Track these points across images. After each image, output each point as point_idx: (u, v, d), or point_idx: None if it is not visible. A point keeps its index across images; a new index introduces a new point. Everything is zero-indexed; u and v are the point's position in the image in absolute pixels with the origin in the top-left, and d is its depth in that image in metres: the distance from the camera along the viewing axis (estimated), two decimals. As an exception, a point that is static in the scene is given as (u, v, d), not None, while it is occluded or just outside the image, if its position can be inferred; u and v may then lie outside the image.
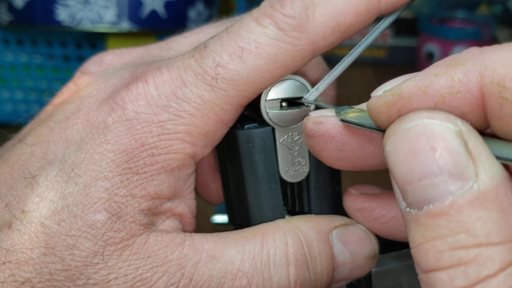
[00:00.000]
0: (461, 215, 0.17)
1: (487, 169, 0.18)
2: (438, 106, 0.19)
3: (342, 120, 0.22)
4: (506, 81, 0.17)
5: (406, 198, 0.19)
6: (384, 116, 0.20)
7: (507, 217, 0.17)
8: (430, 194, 0.18)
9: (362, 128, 0.21)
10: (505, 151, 0.18)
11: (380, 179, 0.26)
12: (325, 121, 0.23)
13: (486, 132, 0.19)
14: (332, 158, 0.23)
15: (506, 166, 0.18)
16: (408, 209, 0.19)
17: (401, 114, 0.19)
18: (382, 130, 0.20)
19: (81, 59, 0.60)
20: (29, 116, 0.29)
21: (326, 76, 0.26)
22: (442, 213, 0.18)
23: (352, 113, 0.22)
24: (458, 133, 0.18)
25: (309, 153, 0.27)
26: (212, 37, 0.25)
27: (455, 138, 0.18)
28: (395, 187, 0.19)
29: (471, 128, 0.18)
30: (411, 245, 0.19)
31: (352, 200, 0.26)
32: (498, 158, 0.18)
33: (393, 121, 0.19)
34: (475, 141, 0.18)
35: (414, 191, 0.18)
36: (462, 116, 0.18)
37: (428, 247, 0.18)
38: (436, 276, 0.18)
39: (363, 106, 0.23)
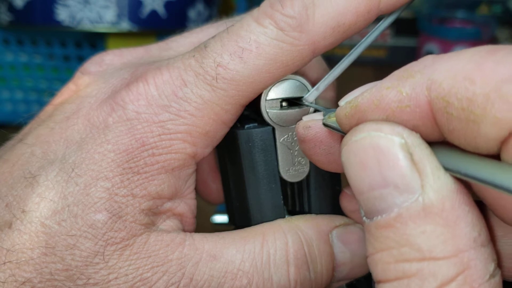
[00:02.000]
0: (406, 228, 0.17)
1: (432, 182, 0.17)
2: (390, 119, 0.19)
3: (324, 124, 0.22)
4: (451, 96, 0.17)
5: (362, 207, 0.19)
6: (346, 126, 0.20)
7: (452, 232, 0.17)
8: (379, 205, 0.18)
9: (339, 132, 0.22)
10: (456, 164, 0.18)
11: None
12: (313, 125, 0.23)
13: (445, 141, 0.19)
14: (322, 161, 0.24)
15: (460, 178, 0.18)
16: (364, 217, 0.19)
17: (359, 124, 0.19)
18: None
19: (81, 59, 0.60)
20: (29, 116, 0.29)
21: (326, 76, 0.26)
22: (388, 225, 0.18)
23: (333, 117, 0.22)
24: (403, 146, 0.18)
25: (309, 153, 0.27)
26: (213, 37, 0.25)
27: (400, 151, 0.18)
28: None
29: (418, 140, 0.18)
30: (366, 254, 0.19)
31: (348, 201, 0.26)
32: (448, 170, 0.18)
33: None
34: (421, 153, 0.18)
35: (365, 201, 0.18)
36: (414, 129, 0.18)
37: (377, 258, 0.18)
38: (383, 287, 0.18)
39: None
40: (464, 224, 0.17)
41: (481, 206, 0.19)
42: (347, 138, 0.19)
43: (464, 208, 0.18)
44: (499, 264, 0.18)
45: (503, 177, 0.16)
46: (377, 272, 0.18)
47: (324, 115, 0.23)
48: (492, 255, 0.18)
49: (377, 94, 0.19)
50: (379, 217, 0.18)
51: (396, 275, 0.18)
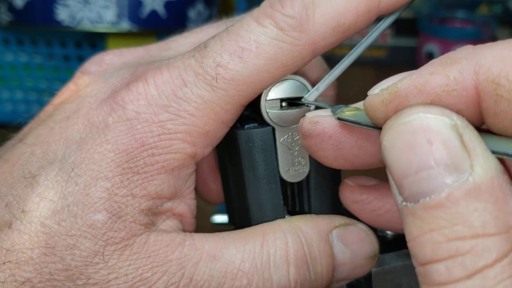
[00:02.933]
0: (458, 206, 0.18)
1: (482, 162, 0.18)
2: (435, 103, 0.19)
3: (339, 119, 0.22)
4: (501, 79, 0.18)
5: (403, 192, 0.19)
6: (382, 114, 0.20)
7: (503, 208, 0.18)
8: (426, 186, 0.18)
9: (359, 126, 0.22)
10: (500, 145, 0.18)
11: (378, 177, 0.26)
12: (321, 120, 0.23)
13: (481, 128, 0.19)
14: (329, 157, 0.24)
15: (501, 161, 0.18)
16: (404, 203, 0.19)
17: (398, 111, 0.19)
18: (378, 127, 0.20)
19: (81, 59, 0.60)
20: (29, 116, 0.29)
21: (326, 76, 0.26)
22: (438, 205, 0.18)
23: (348, 112, 0.22)
24: (453, 127, 0.18)
25: (309, 153, 0.27)
26: (213, 37, 0.25)
27: (451, 132, 0.18)
28: (392, 182, 0.19)
29: (466, 123, 0.19)
30: (408, 238, 0.19)
31: (349, 192, 0.26)
32: (493, 152, 0.18)
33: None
34: (470, 135, 0.18)
35: (410, 184, 0.18)
36: (458, 113, 0.19)
37: (425, 240, 0.18)
38: (433, 268, 0.18)
39: (358, 105, 0.23)
40: None
41: None
42: (392, 121, 0.19)
43: (510, 187, 0.18)
44: None
45: None
46: (426, 253, 0.18)
47: (332, 112, 0.23)
48: None
49: (420, 79, 0.19)
50: (427, 198, 0.18)
51: (449, 253, 0.18)
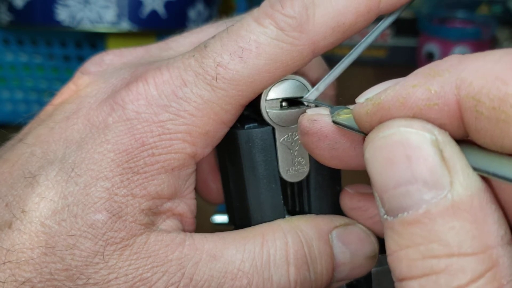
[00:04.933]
0: (434, 224, 0.17)
1: (461, 179, 0.17)
2: (416, 117, 0.19)
3: (334, 122, 0.22)
4: (481, 96, 0.17)
5: (384, 205, 0.19)
6: (366, 124, 0.20)
7: (481, 228, 0.17)
8: (405, 202, 0.18)
9: (351, 130, 0.22)
10: (482, 163, 0.18)
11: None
12: (319, 119, 0.23)
13: (467, 140, 0.19)
14: (324, 156, 0.24)
15: (485, 178, 0.18)
16: (385, 216, 0.19)
17: (382, 122, 0.19)
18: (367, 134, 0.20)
19: (81, 59, 0.60)
20: (29, 116, 0.29)
21: (326, 76, 0.26)
22: (415, 222, 0.18)
23: (344, 115, 0.22)
24: (434, 142, 0.18)
25: (309, 153, 0.27)
26: (213, 37, 0.25)
27: (431, 147, 0.18)
28: (375, 193, 0.19)
29: (448, 138, 0.18)
30: (387, 252, 0.19)
31: (348, 199, 0.26)
32: (475, 169, 0.18)
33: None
34: (451, 150, 0.18)
35: (390, 198, 0.18)
36: (441, 127, 0.18)
37: (401, 255, 0.18)
38: (409, 285, 0.18)
39: None
40: (492, 221, 0.17)
41: None
42: (373, 134, 0.19)
43: (491, 206, 0.18)
44: None
45: None
46: (401, 269, 0.18)
47: (331, 112, 0.23)
48: None
49: (402, 92, 0.19)
50: (405, 213, 0.18)
51: (423, 272, 0.17)
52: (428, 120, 0.18)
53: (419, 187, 0.18)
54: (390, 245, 0.18)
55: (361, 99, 0.21)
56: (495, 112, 0.17)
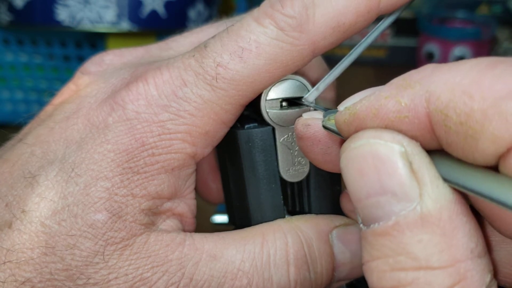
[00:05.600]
0: (403, 236, 0.17)
1: (430, 191, 0.17)
2: (389, 127, 0.18)
3: (324, 127, 0.22)
4: (449, 110, 0.17)
5: (359, 214, 0.19)
6: (345, 132, 0.20)
7: (449, 241, 0.17)
8: (376, 213, 0.18)
9: (338, 136, 0.21)
10: (454, 175, 0.17)
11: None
12: (312, 123, 0.23)
13: (442, 150, 0.18)
14: (319, 160, 0.24)
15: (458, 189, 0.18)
16: (361, 225, 0.19)
17: (357, 131, 0.19)
18: None
19: (81, 59, 0.60)
20: (29, 116, 0.29)
21: (326, 76, 0.26)
22: (385, 233, 0.18)
23: (333, 120, 0.22)
24: (403, 154, 0.18)
25: (309, 153, 0.27)
26: (213, 37, 0.25)
27: (399, 159, 0.18)
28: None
29: (417, 149, 0.18)
30: (362, 261, 0.19)
31: (347, 201, 0.26)
32: (446, 180, 0.18)
33: None
34: (420, 162, 0.18)
35: (362, 208, 0.18)
36: (413, 138, 0.18)
37: (372, 266, 0.18)
38: None
39: None
40: (462, 234, 0.17)
41: (477, 213, 0.19)
42: (346, 145, 0.19)
43: (462, 218, 0.18)
44: (494, 270, 0.18)
45: (501, 192, 0.16)
46: (373, 280, 0.18)
47: (324, 116, 0.23)
48: (489, 266, 0.18)
49: (375, 103, 0.19)
50: (376, 224, 0.18)
51: (391, 284, 0.17)
52: (400, 131, 0.18)
53: (388, 198, 0.18)
54: (364, 254, 0.19)
55: (341, 107, 0.21)
56: (463, 127, 0.16)
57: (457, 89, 0.17)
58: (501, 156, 0.16)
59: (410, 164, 0.18)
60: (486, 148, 0.16)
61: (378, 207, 0.18)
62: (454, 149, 0.17)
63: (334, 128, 0.22)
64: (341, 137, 0.21)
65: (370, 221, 0.18)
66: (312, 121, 0.23)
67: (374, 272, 0.18)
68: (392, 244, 0.17)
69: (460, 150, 0.17)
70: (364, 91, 0.21)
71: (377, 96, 0.19)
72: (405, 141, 0.18)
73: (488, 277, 0.17)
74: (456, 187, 0.17)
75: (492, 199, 0.16)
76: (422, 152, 0.18)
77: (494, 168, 0.17)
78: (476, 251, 0.17)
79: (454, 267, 0.17)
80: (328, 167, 0.24)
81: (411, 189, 0.17)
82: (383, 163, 0.18)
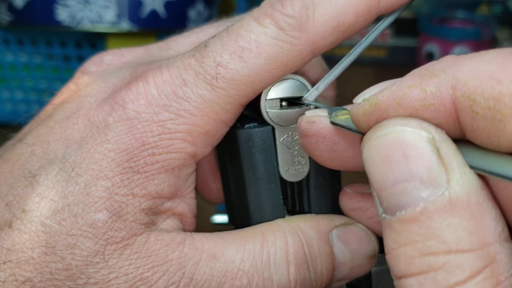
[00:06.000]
0: (432, 221, 0.17)
1: (458, 177, 0.18)
2: (413, 116, 0.19)
3: (332, 123, 0.23)
4: (476, 95, 0.17)
5: (382, 203, 0.19)
6: (364, 124, 0.20)
7: (478, 225, 0.17)
8: (402, 200, 0.18)
9: (349, 131, 0.22)
10: (479, 161, 0.18)
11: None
12: (317, 120, 0.23)
13: (464, 139, 0.19)
14: (323, 157, 0.24)
15: (482, 176, 0.18)
16: (383, 215, 0.19)
17: (379, 122, 0.19)
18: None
19: (81, 59, 0.60)
20: (29, 116, 0.29)
21: (326, 76, 0.26)
22: (413, 219, 0.18)
23: (342, 116, 0.22)
24: (430, 141, 0.18)
25: (309, 152, 0.27)
26: (213, 37, 0.25)
27: (427, 146, 0.18)
28: (373, 193, 0.19)
29: (444, 136, 0.18)
30: (385, 250, 0.19)
31: (347, 199, 0.26)
32: (472, 167, 0.18)
33: None
34: (448, 149, 0.18)
35: (387, 197, 0.18)
36: (437, 126, 0.18)
37: (399, 253, 0.18)
38: (407, 282, 0.18)
39: None
40: (489, 218, 0.18)
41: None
42: (370, 134, 0.19)
43: (488, 203, 0.18)
44: None
45: None
46: (400, 267, 0.18)
47: (329, 113, 0.23)
48: None
49: (399, 92, 0.19)
50: (403, 211, 0.18)
51: (421, 269, 0.18)
52: (425, 120, 0.19)
53: (416, 185, 0.18)
54: (388, 243, 0.19)
55: (358, 99, 0.21)
56: (490, 112, 0.17)
57: (484, 74, 0.17)
58: None
59: (437, 151, 0.18)
60: None
61: (405, 194, 0.18)
62: (479, 135, 0.18)
63: (344, 123, 0.22)
64: (352, 131, 0.21)
65: (396, 208, 0.18)
66: (316, 118, 0.23)
67: (402, 258, 0.18)
68: (421, 230, 0.18)
69: (485, 136, 0.17)
70: (380, 84, 0.21)
71: (400, 85, 0.19)
72: (432, 128, 0.18)
73: None
74: (482, 173, 0.18)
75: None
76: (449, 139, 0.18)
77: None
78: (503, 235, 0.18)
79: (484, 249, 0.17)
80: (333, 164, 0.24)
81: (439, 175, 0.18)
82: (411, 149, 0.18)
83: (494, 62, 0.17)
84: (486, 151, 0.18)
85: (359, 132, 0.21)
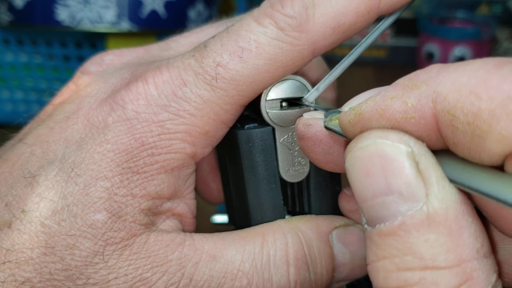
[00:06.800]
0: (410, 236, 0.17)
1: (436, 191, 0.17)
2: (395, 128, 0.19)
3: (325, 127, 0.22)
4: (456, 110, 0.17)
5: (364, 214, 0.19)
6: (350, 133, 0.20)
7: (455, 241, 0.17)
8: (381, 213, 0.18)
9: (341, 136, 0.22)
10: (460, 175, 0.18)
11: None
12: (314, 123, 0.23)
13: (448, 150, 0.18)
14: (320, 160, 0.24)
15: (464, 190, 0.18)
16: (365, 225, 0.19)
17: (363, 132, 0.19)
18: None
19: (81, 59, 0.60)
20: (29, 116, 0.29)
21: (326, 76, 0.26)
22: (391, 233, 0.18)
23: (335, 120, 0.22)
24: (409, 154, 0.18)
25: (309, 153, 0.27)
26: (212, 37, 0.25)
27: (406, 159, 0.18)
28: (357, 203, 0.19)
29: (424, 149, 0.18)
30: (366, 261, 0.19)
31: (346, 201, 0.26)
32: (452, 181, 0.18)
33: None
34: (427, 162, 0.18)
35: (368, 208, 0.18)
36: (419, 139, 0.18)
37: (378, 266, 0.18)
38: None
39: None
40: (468, 234, 0.17)
41: (481, 215, 0.19)
42: (352, 145, 0.19)
43: (468, 218, 0.18)
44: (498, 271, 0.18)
45: (507, 191, 0.16)
46: (378, 280, 0.18)
47: (325, 116, 0.23)
48: (494, 266, 0.18)
49: (381, 103, 0.19)
50: (382, 224, 0.18)
51: (398, 284, 0.17)
52: (406, 132, 0.18)
53: (395, 198, 0.18)
54: (369, 254, 0.19)
55: (345, 108, 0.21)
56: (470, 127, 0.17)
57: (464, 89, 0.17)
58: (508, 156, 0.16)
59: (416, 164, 0.18)
60: (493, 148, 0.16)
61: (384, 207, 0.18)
62: (461, 149, 0.17)
63: (336, 128, 0.22)
64: (343, 137, 0.21)
65: (376, 221, 0.18)
66: (313, 121, 0.23)
67: (380, 272, 0.18)
68: (398, 244, 0.17)
69: (466, 150, 0.17)
70: (368, 91, 0.21)
71: (383, 96, 0.19)
72: (412, 141, 0.18)
73: (493, 277, 0.18)
74: (461, 187, 0.17)
75: (498, 199, 0.16)
76: (429, 153, 0.18)
77: (499, 168, 0.17)
78: (482, 251, 0.17)
79: (461, 267, 0.17)
80: (330, 167, 0.24)
81: (417, 189, 0.17)
82: (390, 163, 0.18)
83: (476, 76, 0.17)
84: (468, 164, 0.18)
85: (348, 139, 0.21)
